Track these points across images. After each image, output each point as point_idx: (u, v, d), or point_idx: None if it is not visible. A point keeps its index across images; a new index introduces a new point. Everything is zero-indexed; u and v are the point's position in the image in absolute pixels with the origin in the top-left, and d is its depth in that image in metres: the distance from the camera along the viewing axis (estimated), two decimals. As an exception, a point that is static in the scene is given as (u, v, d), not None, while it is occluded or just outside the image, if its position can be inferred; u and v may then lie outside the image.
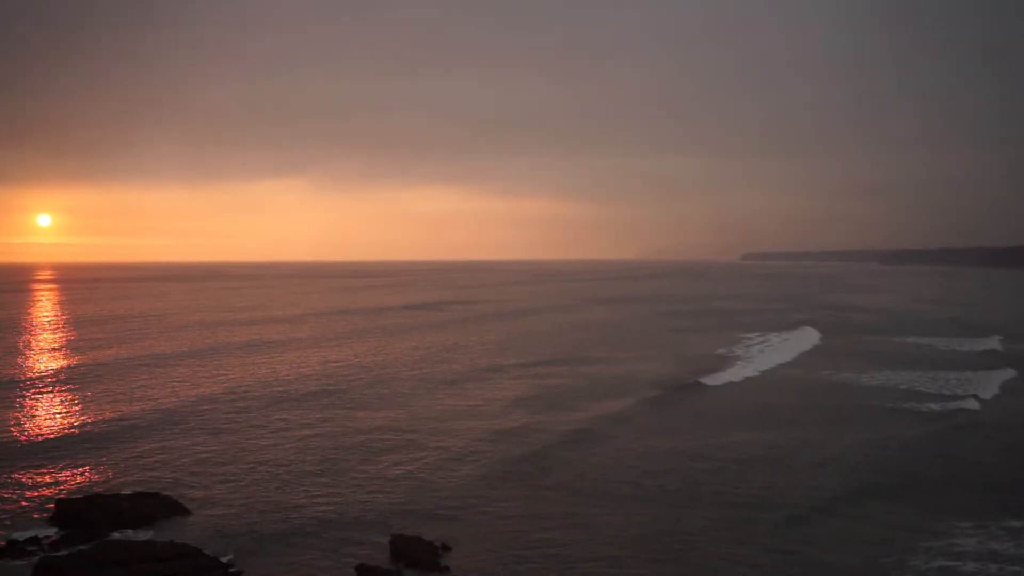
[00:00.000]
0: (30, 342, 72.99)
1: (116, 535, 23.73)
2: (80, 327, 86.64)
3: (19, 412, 41.31)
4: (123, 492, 27.03)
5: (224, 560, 22.16)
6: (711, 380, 52.17)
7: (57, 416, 40.40)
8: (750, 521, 25.54)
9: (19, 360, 60.86)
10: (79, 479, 29.41)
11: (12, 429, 37.34)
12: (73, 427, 37.85)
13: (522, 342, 74.02)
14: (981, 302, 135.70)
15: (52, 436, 36.12)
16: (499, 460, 32.57)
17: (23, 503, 26.68)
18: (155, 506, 25.41)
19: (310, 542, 23.70)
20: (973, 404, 44.71)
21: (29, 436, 36.12)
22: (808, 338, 76.34)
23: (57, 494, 27.16)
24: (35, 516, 25.48)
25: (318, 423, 39.18)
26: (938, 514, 26.42)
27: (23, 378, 52.21)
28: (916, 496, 28.50)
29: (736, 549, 23.28)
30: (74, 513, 24.78)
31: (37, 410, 42.11)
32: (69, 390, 47.62)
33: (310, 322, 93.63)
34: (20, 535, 23.65)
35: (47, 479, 29.38)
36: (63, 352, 65.39)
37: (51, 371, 55.12)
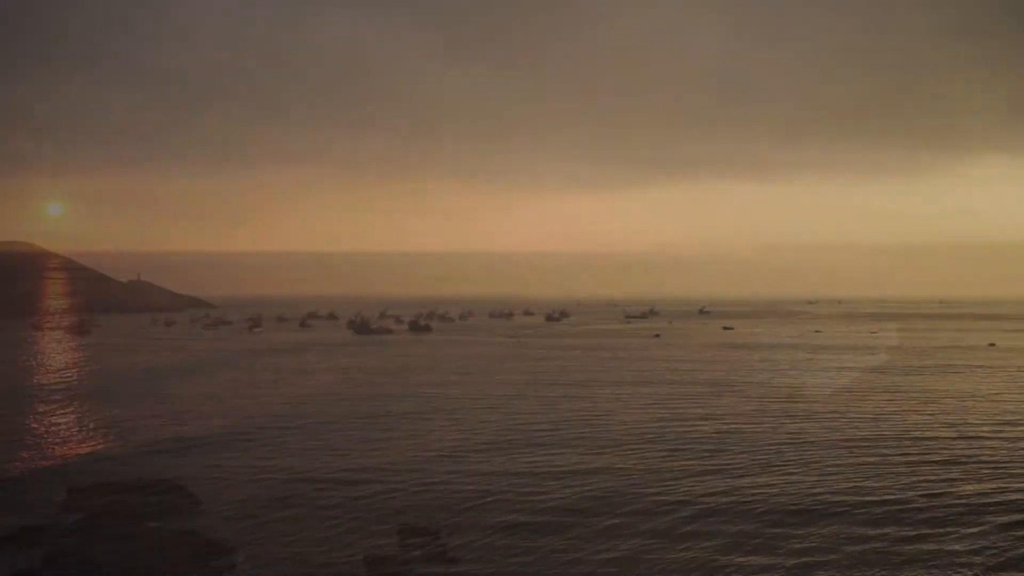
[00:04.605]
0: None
1: (126, 524, 23.68)
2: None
3: (28, 412, 41.76)
4: (136, 481, 27.05)
5: (231, 548, 22.01)
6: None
7: (72, 411, 40.78)
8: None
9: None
10: (94, 468, 29.52)
11: (23, 425, 37.70)
12: (91, 420, 38.15)
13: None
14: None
15: (70, 427, 36.41)
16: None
17: (35, 491, 26.83)
18: (166, 495, 25.39)
19: (318, 533, 23.49)
20: None
21: (45, 430, 36.43)
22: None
23: (71, 482, 27.21)
24: (47, 504, 25.58)
25: (335, 424, 39.10)
26: None
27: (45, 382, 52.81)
28: None
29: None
30: (85, 501, 24.83)
31: (48, 411, 42.54)
32: (81, 388, 48.05)
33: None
34: (31, 523, 23.69)
35: (62, 467, 29.55)
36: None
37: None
